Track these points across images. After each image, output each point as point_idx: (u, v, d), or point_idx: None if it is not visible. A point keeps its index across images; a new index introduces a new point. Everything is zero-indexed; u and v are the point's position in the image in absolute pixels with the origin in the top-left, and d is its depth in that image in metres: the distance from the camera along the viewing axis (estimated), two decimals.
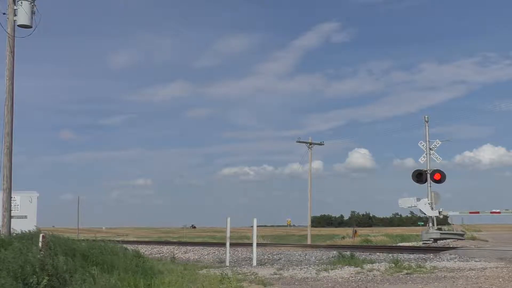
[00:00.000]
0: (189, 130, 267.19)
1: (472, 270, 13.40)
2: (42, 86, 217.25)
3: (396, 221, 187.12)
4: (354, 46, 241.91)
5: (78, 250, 12.30)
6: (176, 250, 25.63)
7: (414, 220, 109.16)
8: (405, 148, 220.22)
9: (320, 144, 52.44)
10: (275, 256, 20.30)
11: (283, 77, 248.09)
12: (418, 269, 13.65)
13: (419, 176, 30.19)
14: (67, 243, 12.76)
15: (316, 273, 13.83)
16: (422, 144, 30.83)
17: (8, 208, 17.09)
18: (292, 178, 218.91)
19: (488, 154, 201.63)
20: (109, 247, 13.29)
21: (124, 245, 15.82)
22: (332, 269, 14.31)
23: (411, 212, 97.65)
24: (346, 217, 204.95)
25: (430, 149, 30.42)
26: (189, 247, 27.36)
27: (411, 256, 17.87)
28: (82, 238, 18.89)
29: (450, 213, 30.52)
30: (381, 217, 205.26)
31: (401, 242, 33.68)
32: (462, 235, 30.17)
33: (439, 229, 29.46)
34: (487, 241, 31.12)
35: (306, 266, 15.58)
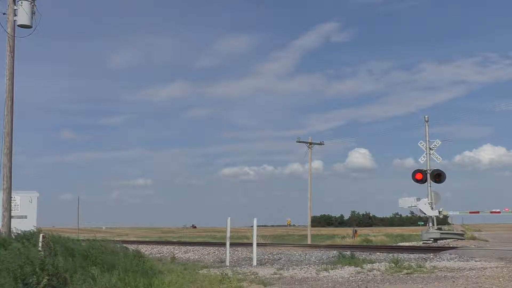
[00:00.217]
0: (189, 130, 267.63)
1: (472, 270, 13.40)
2: (42, 86, 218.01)
3: (396, 221, 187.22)
4: (354, 46, 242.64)
5: (78, 250, 12.31)
6: (176, 250, 25.63)
7: (414, 220, 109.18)
8: (405, 148, 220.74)
9: (320, 144, 52.45)
10: (275, 256, 20.29)
11: (283, 77, 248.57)
12: (418, 269, 13.65)
13: (419, 176, 30.19)
14: (67, 243, 12.77)
15: (316, 273, 13.83)
16: (422, 144, 30.85)
17: (8, 208, 17.09)
18: (292, 178, 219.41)
19: (488, 154, 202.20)
20: (109, 247, 13.29)
21: (124, 245, 15.83)
22: (332, 269, 14.31)
23: (411, 212, 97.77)
24: (346, 217, 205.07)
25: (430, 149, 30.44)
26: (189, 247, 27.36)
27: (411, 256, 17.87)
28: (82, 238, 18.88)
29: (450, 213, 30.55)
30: (381, 217, 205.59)
31: (401, 242, 33.68)
32: (462, 235, 30.19)
33: (439, 229, 29.47)
34: (487, 240, 31.14)
35: (306, 266, 15.58)
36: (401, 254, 18.49)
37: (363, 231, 76.93)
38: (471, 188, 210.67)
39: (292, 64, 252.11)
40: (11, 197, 17.30)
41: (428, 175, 29.97)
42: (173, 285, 11.07)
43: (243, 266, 16.48)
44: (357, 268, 14.18)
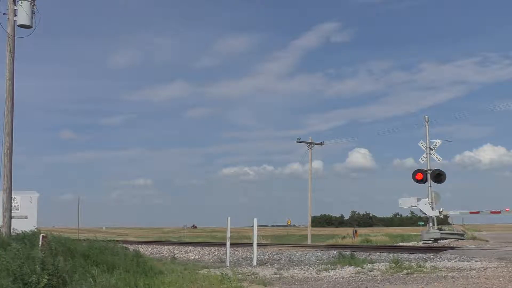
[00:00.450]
0: (189, 130, 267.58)
1: (473, 270, 13.39)
2: (42, 86, 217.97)
3: (396, 221, 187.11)
4: (354, 46, 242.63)
5: (78, 250, 12.31)
6: (177, 250, 25.63)
7: (415, 220, 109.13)
8: (405, 148, 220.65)
9: (320, 144, 52.47)
10: (275, 256, 20.29)
11: (283, 77, 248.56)
12: (418, 269, 13.65)
13: (420, 176, 30.19)
14: (67, 243, 12.75)
15: (316, 273, 13.83)
16: (422, 144, 30.85)
17: (8, 208, 17.09)
18: (292, 178, 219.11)
19: (488, 154, 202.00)
20: (109, 247, 13.29)
21: (124, 245, 15.82)
22: (332, 269, 14.30)
23: (411, 212, 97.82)
24: (346, 217, 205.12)
25: (430, 149, 30.44)
26: (189, 247, 27.36)
27: (412, 256, 17.87)
28: (83, 238, 18.89)
29: (450, 213, 30.53)
30: (381, 217, 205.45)
31: (401, 242, 33.67)
32: (462, 235, 30.19)
33: (440, 229, 29.50)
34: (487, 241, 31.13)
35: (306, 266, 15.58)
36: (401, 254, 18.49)
37: (363, 231, 76.89)
38: (471, 188, 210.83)
39: (292, 64, 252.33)
40: (11, 197, 17.29)
41: (428, 175, 29.97)
42: (173, 285, 11.07)
43: (243, 266, 16.48)
44: (357, 268, 14.18)
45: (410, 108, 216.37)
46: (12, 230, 16.89)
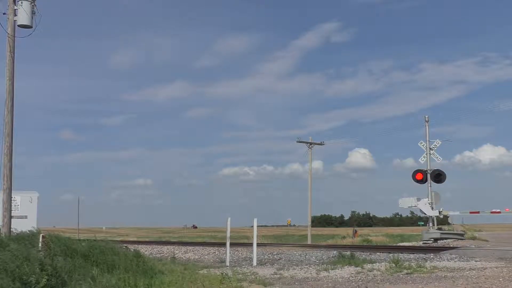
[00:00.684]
0: (189, 130, 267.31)
1: (472, 270, 13.40)
2: (42, 86, 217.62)
3: (396, 221, 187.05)
4: (354, 46, 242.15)
5: (78, 250, 12.31)
6: (177, 250, 25.63)
7: (414, 220, 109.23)
8: (405, 148, 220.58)
9: (320, 144, 52.47)
10: (275, 256, 20.29)
11: (283, 77, 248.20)
12: (418, 269, 13.65)
13: (420, 176, 30.19)
14: (67, 243, 12.76)
15: (316, 273, 13.83)
16: (422, 144, 30.85)
17: (8, 208, 17.08)
18: (292, 178, 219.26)
19: (488, 154, 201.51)
20: (109, 247, 13.29)
21: (124, 245, 15.83)
22: (332, 269, 14.31)
23: (411, 212, 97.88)
24: (346, 217, 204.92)
25: (430, 149, 30.44)
26: (189, 247, 27.36)
27: (411, 256, 17.87)
28: (83, 238, 18.89)
29: (450, 213, 30.52)
30: (381, 217, 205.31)
31: (401, 242, 33.67)
32: (462, 235, 30.17)
33: (440, 229, 29.47)
34: (487, 241, 31.11)
35: (306, 266, 15.59)
36: (401, 254, 18.49)
37: (363, 231, 76.87)
38: (471, 188, 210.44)
39: (292, 64, 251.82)
40: (11, 197, 17.29)
41: (428, 175, 29.97)
42: (173, 285, 11.07)
43: (243, 266, 16.49)
44: (357, 268, 14.19)
45: (410, 108, 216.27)
46: (12, 230, 16.89)
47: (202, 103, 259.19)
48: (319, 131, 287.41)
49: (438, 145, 30.60)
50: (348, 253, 17.47)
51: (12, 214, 17.39)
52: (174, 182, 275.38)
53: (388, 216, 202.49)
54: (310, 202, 50.65)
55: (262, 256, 19.75)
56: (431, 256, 17.45)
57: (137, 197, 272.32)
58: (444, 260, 16.34)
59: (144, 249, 23.74)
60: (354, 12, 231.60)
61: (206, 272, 14.08)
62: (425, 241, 28.04)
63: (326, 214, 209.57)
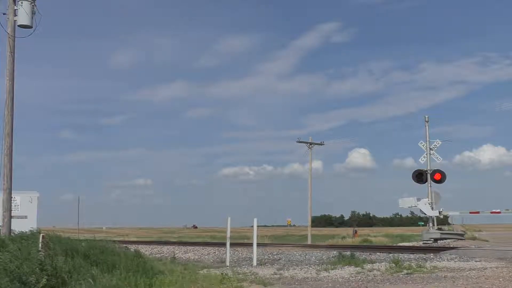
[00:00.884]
0: (189, 130, 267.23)
1: (473, 270, 13.40)
2: (42, 86, 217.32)
3: (396, 221, 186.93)
4: (354, 46, 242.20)
5: (78, 250, 12.30)
6: (177, 250, 25.64)
7: (415, 220, 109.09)
8: (405, 148, 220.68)
9: (320, 144, 52.47)
10: (275, 256, 20.30)
11: (283, 77, 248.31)
12: (418, 269, 13.66)
13: (419, 176, 30.19)
14: (67, 243, 12.76)
15: (316, 273, 13.83)
16: (422, 144, 30.85)
17: (8, 208, 17.08)
18: (292, 178, 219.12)
19: (488, 154, 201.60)
20: (109, 247, 13.29)
21: (125, 245, 15.84)
22: (332, 269, 14.31)
23: (412, 212, 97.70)
24: (346, 217, 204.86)
25: (430, 149, 30.44)
26: (189, 247, 27.37)
27: (412, 256, 17.87)
28: (83, 238, 18.89)
29: (450, 213, 30.53)
30: (381, 217, 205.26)
31: (401, 242, 33.67)
32: (462, 235, 30.17)
33: (440, 229, 29.48)
34: (487, 241, 31.13)
35: (306, 266, 15.59)
36: (401, 254, 18.49)
37: (363, 231, 76.89)
38: (471, 188, 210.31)
39: (292, 64, 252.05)
40: (11, 197, 17.29)
41: (428, 175, 29.97)
42: (173, 285, 11.07)
43: (243, 266, 16.49)
44: (357, 268, 14.18)
45: (410, 108, 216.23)
46: (12, 230, 16.89)
47: (202, 103, 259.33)
48: (319, 131, 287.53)
49: (438, 145, 30.62)
50: (348, 253, 17.46)
51: (12, 214, 17.39)
52: (174, 182, 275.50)
53: (388, 216, 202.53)
54: (310, 202, 50.66)
55: (262, 256, 19.75)
56: (431, 256, 17.45)
57: (137, 197, 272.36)
58: (444, 260, 16.34)
59: (144, 249, 23.73)
60: (354, 12, 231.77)
61: (206, 272, 14.08)
62: (425, 241, 28.04)
63: (326, 214, 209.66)
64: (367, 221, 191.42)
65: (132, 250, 14.70)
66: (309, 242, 45.21)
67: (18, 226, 18.02)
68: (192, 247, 27.22)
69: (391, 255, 17.91)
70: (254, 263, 17.27)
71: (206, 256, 22.55)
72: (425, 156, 30.49)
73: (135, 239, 53.86)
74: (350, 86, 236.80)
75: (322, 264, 15.94)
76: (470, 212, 29.86)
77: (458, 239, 28.58)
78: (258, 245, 19.22)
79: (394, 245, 30.47)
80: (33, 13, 17.49)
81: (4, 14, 17.40)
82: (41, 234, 11.75)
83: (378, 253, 19.59)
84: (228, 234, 18.52)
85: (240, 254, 21.56)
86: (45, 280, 9.54)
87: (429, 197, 29.62)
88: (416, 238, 36.13)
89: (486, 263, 14.85)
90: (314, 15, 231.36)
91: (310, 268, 14.79)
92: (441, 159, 30.72)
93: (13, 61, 17.37)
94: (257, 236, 19.01)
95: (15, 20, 17.39)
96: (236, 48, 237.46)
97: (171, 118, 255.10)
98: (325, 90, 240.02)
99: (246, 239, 35.96)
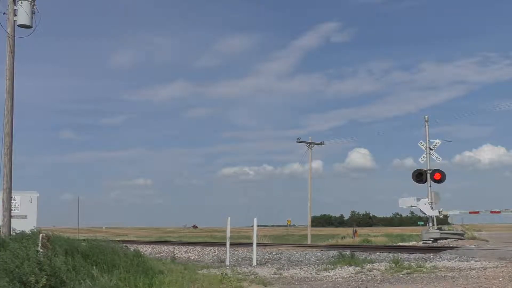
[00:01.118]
0: (189, 130, 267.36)
1: (472, 269, 13.40)
2: (42, 86, 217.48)
3: (396, 221, 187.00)
4: (354, 46, 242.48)
5: (78, 250, 12.30)
6: (176, 250, 25.63)
7: (414, 220, 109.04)
8: (405, 148, 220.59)
9: (320, 144, 52.47)
10: (275, 256, 20.29)
11: (283, 77, 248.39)
12: (418, 268, 13.65)
13: (419, 176, 30.18)
14: (67, 242, 12.75)
15: (316, 272, 13.83)
16: (422, 144, 30.85)
17: (8, 208, 17.09)
18: (292, 178, 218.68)
19: (488, 154, 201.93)
20: (109, 246, 13.28)
21: (124, 245, 15.82)
22: (332, 269, 14.30)
23: (411, 212, 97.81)
24: (346, 217, 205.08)
25: (430, 149, 30.44)
26: (189, 247, 27.37)
27: (411, 255, 17.87)
28: (83, 238, 18.89)
29: (450, 213, 30.53)
30: (381, 217, 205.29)
31: (401, 242, 33.68)
32: (462, 234, 30.17)
33: (439, 228, 29.47)
34: (487, 240, 31.11)
35: (306, 266, 15.58)
36: (401, 254, 18.48)
37: (363, 231, 76.90)
38: (471, 188, 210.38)
39: (292, 64, 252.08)
40: (11, 197, 17.29)
41: (428, 175, 29.97)
42: (173, 285, 11.08)
43: (243, 266, 16.49)
44: (357, 268, 14.18)
45: (410, 108, 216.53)
46: (12, 230, 16.89)
47: (202, 103, 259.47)
48: (319, 131, 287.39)
49: (438, 145, 30.61)
50: (348, 253, 17.45)
51: (12, 214, 17.40)
52: (174, 182, 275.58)
53: (388, 216, 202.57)
54: (310, 202, 50.66)
55: (262, 256, 19.75)
56: (431, 256, 17.45)
57: (137, 197, 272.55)
58: (444, 260, 16.33)
59: (144, 249, 23.72)
60: (354, 12, 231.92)
61: (206, 272, 14.08)
62: (425, 241, 28.03)
63: (326, 214, 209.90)
64: (367, 221, 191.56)
65: (132, 250, 14.69)
66: (309, 242, 45.22)
67: (18, 226, 18.03)
68: (192, 247, 27.21)
69: (391, 255, 17.90)
70: (254, 263, 17.27)
71: (206, 256, 22.55)
72: (425, 156, 30.48)
73: (135, 239, 53.86)
74: (350, 86, 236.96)
75: (322, 264, 15.94)
76: (470, 212, 29.86)
77: (458, 239, 28.57)
78: (258, 245, 19.23)
79: (394, 245, 30.48)
80: (33, 13, 17.49)
81: (4, 14, 17.40)
82: (41, 234, 11.75)
83: (378, 253, 19.58)
84: (228, 234, 18.52)
85: (240, 254, 21.56)
86: (44, 280, 9.54)
87: (429, 197, 29.61)
88: (416, 238, 36.13)
89: (486, 263, 14.85)
90: (314, 15, 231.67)
91: (310, 268, 14.78)
92: (441, 159, 30.75)
93: (13, 60, 17.37)
94: (257, 236, 19.01)
95: (15, 20, 17.39)
96: (236, 48, 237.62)
97: (171, 118, 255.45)
98: (325, 90, 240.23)
99: (246, 239, 35.97)
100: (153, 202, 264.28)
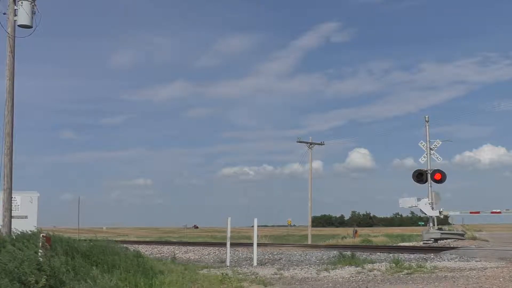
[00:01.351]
0: (189, 130, 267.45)
1: (473, 270, 13.39)
2: (42, 86, 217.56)
3: (396, 221, 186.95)
4: (354, 46, 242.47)
5: (78, 250, 12.29)
6: (177, 250, 25.63)
7: (415, 220, 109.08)
8: (405, 148, 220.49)
9: (321, 144, 52.46)
10: (275, 256, 20.29)
11: (283, 77, 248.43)
12: (418, 269, 13.65)
13: (420, 176, 30.17)
14: (67, 243, 12.75)
15: (316, 273, 13.82)
16: (422, 144, 30.84)
17: (8, 208, 17.08)
18: (292, 178, 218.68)
19: (488, 154, 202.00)
20: (110, 247, 13.28)
21: (125, 245, 15.83)
22: (332, 269, 14.30)
23: (412, 212, 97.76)
24: (346, 217, 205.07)
25: (431, 149, 30.42)
26: (189, 247, 27.36)
27: (412, 256, 17.86)
28: (83, 238, 18.88)
29: (450, 213, 30.51)
30: (382, 217, 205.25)
31: (402, 242, 33.66)
32: (462, 235, 30.15)
33: (440, 229, 29.46)
34: (487, 241, 31.10)
35: (306, 266, 15.58)
36: (402, 254, 18.48)
37: (363, 231, 76.95)
38: (471, 188, 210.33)
39: (292, 64, 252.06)
40: (11, 197, 17.29)
41: (429, 175, 29.96)
42: (173, 285, 11.07)
43: (244, 266, 16.49)
44: (357, 268, 14.17)
45: (410, 108, 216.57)
46: (12, 230, 16.88)
47: (202, 103, 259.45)
48: (319, 131, 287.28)
49: (438, 145, 30.59)
50: (349, 253, 17.45)
51: (12, 214, 17.38)
52: (174, 182, 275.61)
53: (388, 216, 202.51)
54: (310, 202, 50.65)
55: (263, 256, 19.74)
56: (432, 256, 17.44)
57: (137, 197, 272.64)
58: (444, 260, 16.33)
59: (144, 249, 23.73)
60: (354, 12, 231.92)
61: (206, 272, 14.08)
62: (425, 241, 28.02)
63: (326, 214, 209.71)
64: (367, 221, 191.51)
65: (132, 250, 14.69)
66: (309, 242, 45.21)
67: (19, 226, 17.97)
68: (193, 247, 27.21)
69: (391, 255, 17.89)
70: (255, 263, 17.26)
71: (207, 256, 22.54)
72: (425, 156, 30.46)
73: (135, 239, 53.87)
74: (350, 86, 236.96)
75: (323, 264, 15.94)
76: (471, 212, 29.82)
77: (458, 239, 28.56)
78: (259, 245, 19.22)
79: (394, 245, 30.47)
80: (33, 13, 17.48)
81: (4, 14, 17.39)
82: (41, 234, 11.74)
83: (378, 253, 19.58)
84: (228, 234, 18.51)
85: (240, 254, 21.56)
86: (44, 280, 9.54)
87: (429, 197, 29.59)
88: (416, 238, 36.12)
89: (486, 263, 14.84)
90: (314, 15, 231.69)
91: (311, 268, 14.78)
92: (441, 159, 30.72)
93: (13, 61, 17.36)
94: (257, 236, 19.00)
95: (15, 20, 17.38)
96: (236, 48, 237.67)
97: (171, 118, 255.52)
98: (325, 90, 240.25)
99: (247, 239, 35.97)
100: (153, 202, 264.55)
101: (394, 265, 14.25)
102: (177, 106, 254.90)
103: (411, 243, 30.96)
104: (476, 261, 15.53)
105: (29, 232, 15.28)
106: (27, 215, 27.24)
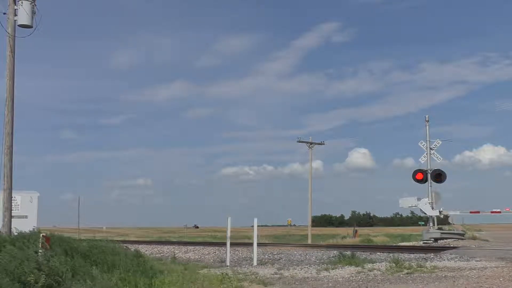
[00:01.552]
0: (189, 130, 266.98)
1: (473, 269, 13.39)
2: (42, 86, 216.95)
3: (396, 220, 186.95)
4: (354, 46, 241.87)
5: (78, 250, 12.30)
6: (177, 250, 25.63)
7: (415, 220, 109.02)
8: (405, 148, 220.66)
9: (321, 144, 52.50)
10: (275, 255, 20.29)
11: (283, 77, 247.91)
12: (418, 268, 13.65)
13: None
14: (67, 243, 12.75)
15: (316, 272, 13.82)
16: (422, 144, 30.85)
17: (8, 208, 17.09)
18: (292, 178, 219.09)
19: (488, 154, 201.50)
20: (110, 246, 13.28)
21: (125, 245, 15.83)
22: (332, 269, 14.30)
23: (412, 212, 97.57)
24: (346, 217, 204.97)
25: (431, 149, 30.43)
26: (189, 247, 27.37)
27: (412, 255, 17.87)
28: (83, 238, 18.89)
29: (450, 213, 30.51)
30: (382, 217, 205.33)
31: (402, 242, 33.67)
32: (462, 234, 30.17)
33: (440, 228, 29.47)
34: (487, 240, 31.11)
35: (306, 266, 15.57)
36: (402, 254, 18.48)
37: (363, 231, 76.92)
38: (471, 188, 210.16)
39: (292, 64, 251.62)
40: (11, 197, 17.29)
41: (429, 175, 29.96)
42: (173, 285, 11.07)
43: (244, 266, 16.49)
44: (357, 268, 14.17)
45: (410, 108, 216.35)
46: (12, 230, 16.89)
47: (202, 103, 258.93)
48: (319, 131, 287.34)
49: (438, 145, 30.61)
50: (349, 253, 17.44)
51: (12, 214, 17.39)
52: (174, 182, 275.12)
53: (389, 216, 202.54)
54: (310, 202, 50.71)
55: (263, 256, 19.75)
56: (432, 256, 17.44)
57: (137, 197, 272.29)
58: (444, 260, 16.33)
59: (144, 249, 23.74)
60: (354, 12, 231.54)
61: (206, 272, 14.08)
62: (425, 241, 28.03)
63: (326, 214, 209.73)
64: (368, 221, 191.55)
65: (132, 250, 14.69)
66: (309, 242, 45.24)
67: (19, 226, 17.98)
68: (193, 247, 27.22)
69: (391, 254, 17.89)
70: (255, 262, 17.27)
71: (207, 256, 22.55)
72: (425, 156, 30.48)
73: (135, 239, 53.88)
74: (350, 86, 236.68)
75: (323, 264, 15.94)
76: (471, 212, 29.84)
77: (459, 238, 28.57)
78: (259, 245, 19.22)
79: (395, 245, 30.48)
80: (33, 13, 17.49)
81: (4, 13, 17.40)
82: (42, 234, 11.75)
83: (378, 253, 19.58)
84: (228, 234, 18.52)
85: (240, 254, 21.56)
86: (43, 279, 9.54)
87: (430, 196, 29.61)
88: (416, 238, 36.13)
89: (486, 263, 14.84)
90: (314, 15, 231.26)
91: (311, 268, 14.78)
92: (441, 159, 30.74)
93: (13, 60, 17.36)
94: (258, 236, 19.00)
95: (15, 20, 17.39)
96: (236, 48, 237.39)
97: (171, 118, 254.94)
98: (325, 90, 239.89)
99: (247, 239, 35.97)
100: (153, 202, 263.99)
101: (394, 265, 14.26)
102: (177, 106, 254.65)
103: (411, 242, 30.97)
104: (476, 261, 15.53)
105: (29, 232, 15.31)
106: (27, 215, 27.23)
